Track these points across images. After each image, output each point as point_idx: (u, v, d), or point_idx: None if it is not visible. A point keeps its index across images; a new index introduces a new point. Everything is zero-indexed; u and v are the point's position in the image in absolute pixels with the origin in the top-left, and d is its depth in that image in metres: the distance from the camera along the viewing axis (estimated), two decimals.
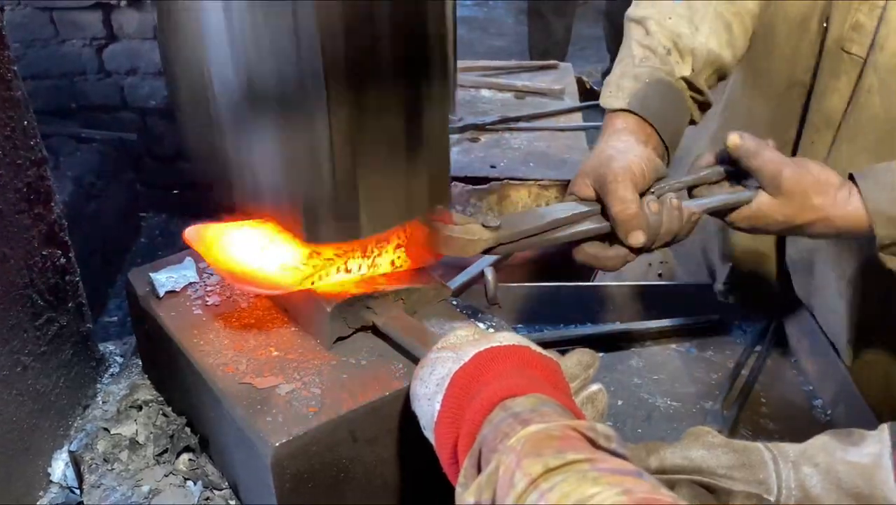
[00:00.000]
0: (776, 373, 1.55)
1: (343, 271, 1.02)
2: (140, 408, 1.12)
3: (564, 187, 2.33)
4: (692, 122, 1.37)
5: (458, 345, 0.86)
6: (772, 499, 0.83)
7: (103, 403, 1.19)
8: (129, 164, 3.79)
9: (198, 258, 1.18)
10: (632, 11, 1.40)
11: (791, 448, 0.86)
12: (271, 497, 0.89)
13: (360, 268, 1.03)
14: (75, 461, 1.08)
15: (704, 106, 1.38)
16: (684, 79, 1.32)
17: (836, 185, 1.13)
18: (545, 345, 0.88)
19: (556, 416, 0.71)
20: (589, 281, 1.90)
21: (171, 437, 1.07)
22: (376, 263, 1.04)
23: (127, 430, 1.09)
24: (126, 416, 1.11)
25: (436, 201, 0.99)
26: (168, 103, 3.70)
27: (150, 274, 1.13)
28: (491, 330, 1.11)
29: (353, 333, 1.03)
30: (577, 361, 0.88)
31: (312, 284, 1.00)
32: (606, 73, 5.07)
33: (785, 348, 1.61)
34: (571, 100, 2.79)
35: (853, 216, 1.13)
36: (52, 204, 1.14)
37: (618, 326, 1.65)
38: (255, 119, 0.85)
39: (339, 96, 0.81)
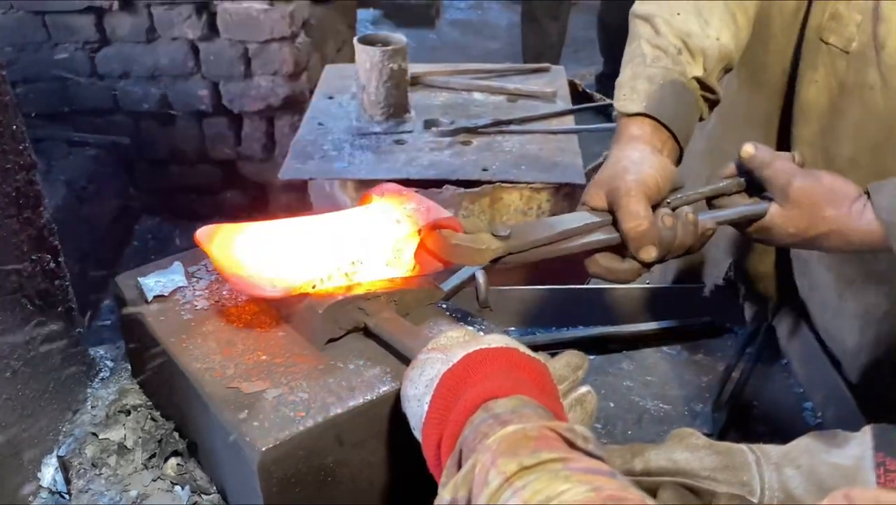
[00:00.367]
0: (767, 375, 1.56)
1: (344, 277, 1.02)
2: (129, 412, 1.12)
3: (556, 190, 2.33)
4: (700, 120, 1.36)
5: (448, 346, 0.87)
6: (755, 500, 0.84)
7: (92, 407, 1.19)
8: (122, 167, 3.78)
9: (187, 263, 1.18)
10: (637, 7, 1.37)
11: (774, 450, 0.87)
12: (258, 501, 0.90)
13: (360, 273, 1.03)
14: (64, 466, 1.08)
15: (714, 103, 1.36)
16: (696, 78, 1.30)
17: (851, 198, 1.11)
18: (536, 348, 0.88)
19: (537, 417, 0.72)
20: (580, 284, 1.90)
21: (160, 441, 1.07)
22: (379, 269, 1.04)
23: (115, 435, 1.09)
24: (115, 420, 1.11)
25: None
26: (161, 107, 3.70)
27: (139, 278, 1.13)
28: (481, 333, 1.11)
29: (345, 334, 1.03)
30: (566, 363, 0.89)
31: (314, 287, 1.00)
32: (600, 75, 5.14)
33: (776, 351, 1.61)
34: (563, 103, 2.79)
35: (866, 229, 1.10)
36: (41, 209, 1.14)
37: (609, 328, 1.65)
38: None
39: None
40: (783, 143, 1.44)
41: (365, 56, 2.49)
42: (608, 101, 2.86)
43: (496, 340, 0.85)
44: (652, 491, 0.88)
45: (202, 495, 1.03)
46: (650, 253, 1.08)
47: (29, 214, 1.11)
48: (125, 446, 1.07)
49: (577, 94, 2.91)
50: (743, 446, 0.89)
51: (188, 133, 3.77)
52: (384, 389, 0.95)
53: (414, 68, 2.82)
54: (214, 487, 1.04)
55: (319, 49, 3.87)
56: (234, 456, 0.91)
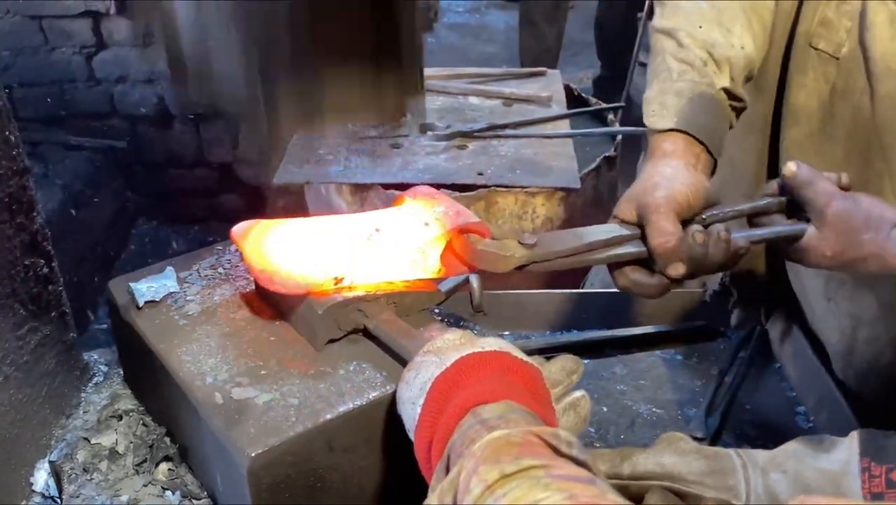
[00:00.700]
0: (760, 379, 1.56)
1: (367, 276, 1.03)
2: (120, 417, 1.13)
3: (551, 194, 2.33)
4: (730, 128, 1.33)
5: (443, 349, 0.88)
6: (740, 504, 0.84)
7: (84, 412, 1.19)
8: (119, 171, 3.79)
9: (179, 268, 1.18)
10: (658, 22, 1.35)
11: (761, 454, 0.87)
12: None
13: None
14: (55, 471, 1.08)
15: (741, 110, 1.34)
16: (724, 89, 1.28)
17: (890, 222, 1.07)
18: (531, 352, 0.89)
19: (524, 422, 0.73)
20: (574, 288, 1.90)
21: (151, 446, 1.07)
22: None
23: (107, 439, 1.09)
24: (106, 425, 1.12)
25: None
26: (158, 110, 3.70)
27: (130, 284, 1.13)
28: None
29: (345, 335, 1.03)
30: (560, 368, 0.89)
31: (336, 284, 1.01)
32: (598, 79, 5.14)
33: (769, 355, 1.61)
34: (559, 107, 2.79)
35: None
36: (35, 214, 1.14)
37: (603, 332, 1.65)
38: None
39: None
40: (776, 146, 1.45)
41: None
42: (603, 105, 2.86)
43: (490, 344, 0.86)
44: (640, 495, 0.88)
45: (193, 500, 1.03)
46: (678, 269, 1.07)
47: (22, 220, 1.11)
48: (117, 451, 1.08)
49: (573, 99, 2.91)
50: (730, 451, 0.89)
51: (185, 137, 3.78)
52: (374, 394, 0.95)
53: None
54: (205, 492, 1.04)
55: None
56: (224, 461, 0.92)
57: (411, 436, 0.86)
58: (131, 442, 1.09)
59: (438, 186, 2.31)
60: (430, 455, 0.80)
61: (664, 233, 1.06)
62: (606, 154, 2.49)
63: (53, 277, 1.18)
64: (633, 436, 1.43)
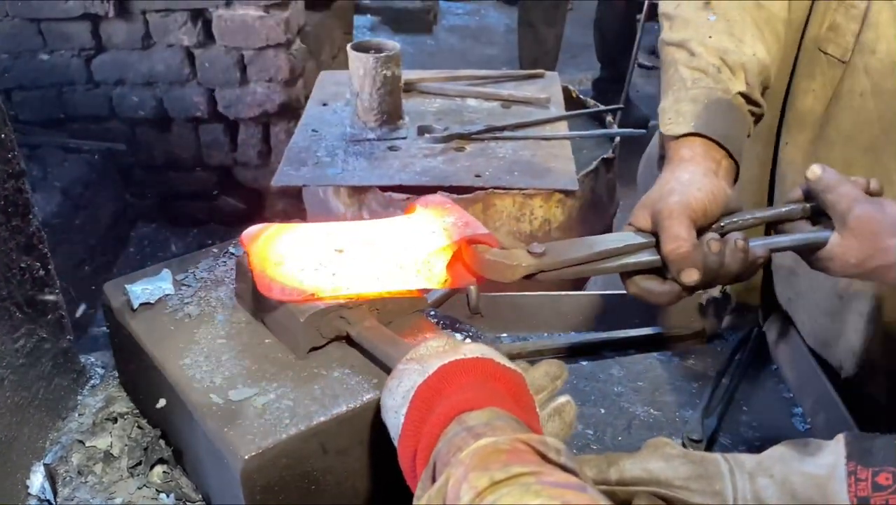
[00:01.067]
0: (757, 381, 1.56)
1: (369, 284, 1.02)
2: (115, 420, 1.13)
3: (549, 196, 2.33)
4: (748, 136, 1.31)
5: (425, 357, 0.87)
6: None
7: (79, 415, 1.19)
8: (118, 174, 3.79)
9: (176, 270, 1.19)
10: (667, 36, 1.34)
11: (748, 459, 0.87)
12: None
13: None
14: (50, 474, 1.08)
15: (760, 117, 1.33)
16: (741, 94, 1.26)
17: None
18: (529, 355, 0.88)
19: (510, 429, 0.73)
20: (578, 291, 1.90)
21: (146, 449, 1.07)
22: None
23: (102, 442, 1.09)
24: (101, 428, 1.12)
25: None
26: (157, 113, 3.71)
27: (126, 286, 1.13)
28: (468, 340, 1.12)
29: (328, 343, 1.03)
30: (544, 373, 0.89)
31: (338, 293, 1.00)
32: (597, 80, 5.15)
33: (766, 356, 1.61)
34: (557, 109, 2.79)
35: None
36: (31, 216, 1.14)
37: (600, 334, 1.65)
38: None
39: None
40: (778, 151, 1.45)
41: (358, 63, 2.50)
42: (601, 107, 2.86)
43: (472, 350, 0.85)
44: (627, 500, 0.88)
45: (187, 503, 1.03)
46: (692, 276, 1.04)
47: (18, 222, 1.11)
48: (111, 454, 1.08)
49: (571, 100, 2.91)
50: (717, 456, 0.89)
51: (184, 139, 3.78)
52: (368, 396, 0.95)
53: (408, 75, 2.82)
54: (200, 495, 1.04)
55: (315, 56, 3.88)
56: (218, 464, 0.92)
57: (396, 444, 0.85)
58: (126, 445, 1.09)
59: (436, 189, 2.31)
60: (415, 463, 0.79)
61: (676, 238, 1.04)
62: (604, 156, 2.49)
63: (50, 279, 1.18)
64: (631, 438, 1.43)
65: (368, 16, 6.51)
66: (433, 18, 6.76)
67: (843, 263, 1.04)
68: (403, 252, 1.02)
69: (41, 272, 1.16)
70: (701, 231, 1.07)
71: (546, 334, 1.67)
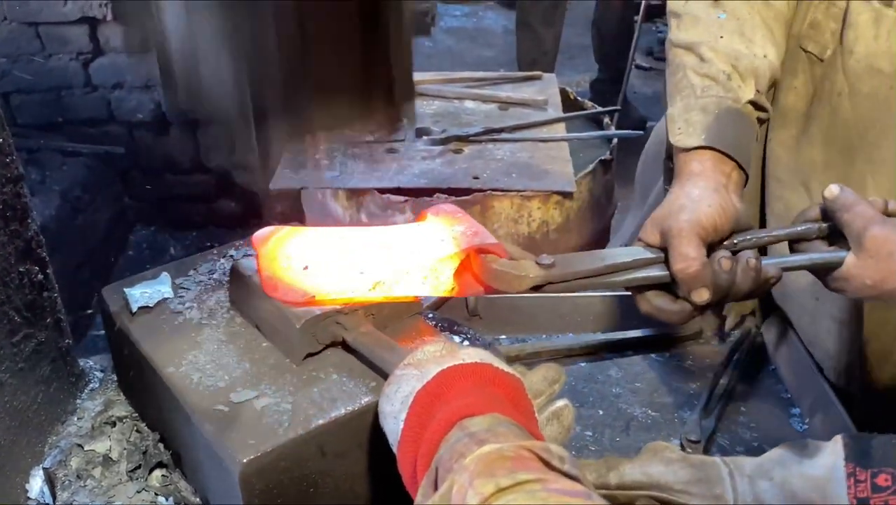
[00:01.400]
0: (755, 382, 1.56)
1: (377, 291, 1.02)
2: (114, 424, 1.13)
3: (547, 198, 2.34)
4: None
5: (423, 362, 0.87)
6: None
7: (78, 419, 1.19)
8: (117, 177, 3.80)
9: (175, 274, 1.19)
10: (676, 37, 1.32)
11: (748, 462, 0.87)
12: None
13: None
14: (49, 478, 1.08)
15: (765, 121, 1.33)
16: (750, 101, 1.25)
17: None
18: (527, 356, 0.88)
19: (512, 436, 0.72)
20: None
21: (145, 453, 1.08)
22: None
23: (101, 446, 1.09)
24: (100, 432, 1.12)
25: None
26: (155, 116, 3.71)
27: (124, 289, 1.13)
28: (466, 343, 1.12)
29: (324, 348, 1.03)
30: (542, 377, 0.89)
31: (344, 297, 0.99)
32: (595, 81, 5.15)
33: (764, 357, 1.61)
34: (555, 111, 2.80)
35: None
36: (29, 221, 1.14)
37: (598, 336, 1.65)
38: None
39: None
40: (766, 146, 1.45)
41: None
42: (599, 108, 2.86)
43: (470, 355, 0.85)
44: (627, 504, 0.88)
45: None
46: (702, 295, 1.02)
47: (16, 226, 1.11)
48: (110, 458, 1.08)
49: (569, 102, 2.91)
50: (717, 459, 0.89)
51: (182, 142, 3.78)
52: (366, 399, 0.95)
53: None
54: (198, 499, 1.05)
55: None
56: (217, 467, 0.92)
57: (395, 450, 0.85)
58: (125, 448, 1.09)
59: (434, 191, 2.32)
60: (416, 469, 0.79)
61: (685, 258, 1.02)
62: (602, 157, 2.50)
63: (48, 283, 1.18)
64: (629, 439, 1.43)
65: None
66: (431, 20, 6.77)
67: (859, 284, 1.02)
68: (410, 257, 1.02)
69: (40, 276, 1.16)
70: (712, 247, 1.06)
71: (544, 336, 1.67)
